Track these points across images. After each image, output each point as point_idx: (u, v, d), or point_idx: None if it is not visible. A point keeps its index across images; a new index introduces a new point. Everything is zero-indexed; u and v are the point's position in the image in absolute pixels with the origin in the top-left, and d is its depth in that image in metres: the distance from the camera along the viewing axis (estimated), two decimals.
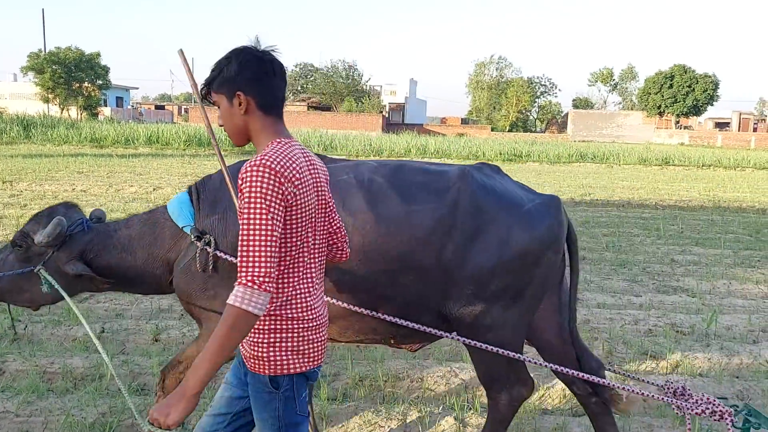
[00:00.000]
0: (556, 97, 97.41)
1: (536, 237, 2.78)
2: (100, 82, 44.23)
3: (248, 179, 1.91)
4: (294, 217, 2.00)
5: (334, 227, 2.32)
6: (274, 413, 2.10)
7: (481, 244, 2.75)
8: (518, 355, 2.80)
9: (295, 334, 2.05)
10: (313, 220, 2.10)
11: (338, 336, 3.01)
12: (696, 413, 2.38)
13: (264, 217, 1.88)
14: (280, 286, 2.04)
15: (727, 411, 2.34)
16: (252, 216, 1.88)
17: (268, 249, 1.88)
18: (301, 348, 2.07)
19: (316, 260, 2.15)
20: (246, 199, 1.90)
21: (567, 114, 70.18)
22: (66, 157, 21.70)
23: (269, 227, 1.89)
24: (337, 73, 64.65)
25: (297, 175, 1.98)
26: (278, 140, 2.06)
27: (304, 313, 2.07)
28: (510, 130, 63.89)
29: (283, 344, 2.05)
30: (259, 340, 2.05)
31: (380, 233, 2.74)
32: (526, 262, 2.78)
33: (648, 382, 3.03)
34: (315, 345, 2.10)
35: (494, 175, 3.00)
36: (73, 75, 41.75)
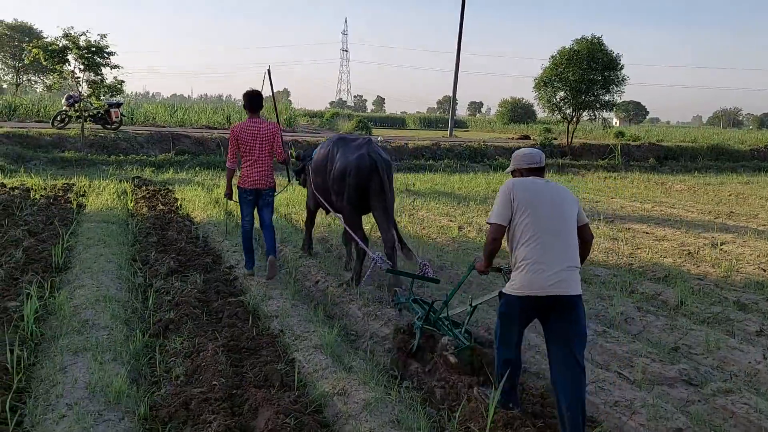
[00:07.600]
0: None
1: (344, 169, 6.24)
2: None
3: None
4: (239, 142, 6.53)
5: (274, 149, 6.61)
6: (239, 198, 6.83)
7: (333, 168, 6.46)
8: (355, 234, 6.35)
9: (240, 177, 6.65)
10: (248, 144, 6.49)
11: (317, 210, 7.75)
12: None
13: (230, 143, 6.64)
14: (240, 164, 6.62)
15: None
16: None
17: (231, 152, 6.65)
18: (241, 181, 6.62)
19: (255, 158, 6.53)
20: None
21: None
22: None
23: (231, 146, 6.62)
24: None
25: (238, 130, 6.53)
26: (247, 120, 6.60)
27: (242, 172, 6.62)
28: None
29: (240, 180, 6.66)
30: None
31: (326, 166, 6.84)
32: (342, 180, 6.28)
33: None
34: (246, 182, 6.58)
35: (358, 140, 6.54)
36: None
